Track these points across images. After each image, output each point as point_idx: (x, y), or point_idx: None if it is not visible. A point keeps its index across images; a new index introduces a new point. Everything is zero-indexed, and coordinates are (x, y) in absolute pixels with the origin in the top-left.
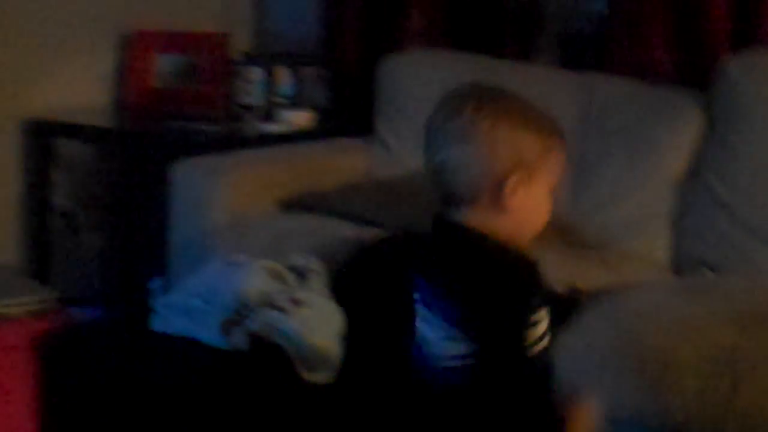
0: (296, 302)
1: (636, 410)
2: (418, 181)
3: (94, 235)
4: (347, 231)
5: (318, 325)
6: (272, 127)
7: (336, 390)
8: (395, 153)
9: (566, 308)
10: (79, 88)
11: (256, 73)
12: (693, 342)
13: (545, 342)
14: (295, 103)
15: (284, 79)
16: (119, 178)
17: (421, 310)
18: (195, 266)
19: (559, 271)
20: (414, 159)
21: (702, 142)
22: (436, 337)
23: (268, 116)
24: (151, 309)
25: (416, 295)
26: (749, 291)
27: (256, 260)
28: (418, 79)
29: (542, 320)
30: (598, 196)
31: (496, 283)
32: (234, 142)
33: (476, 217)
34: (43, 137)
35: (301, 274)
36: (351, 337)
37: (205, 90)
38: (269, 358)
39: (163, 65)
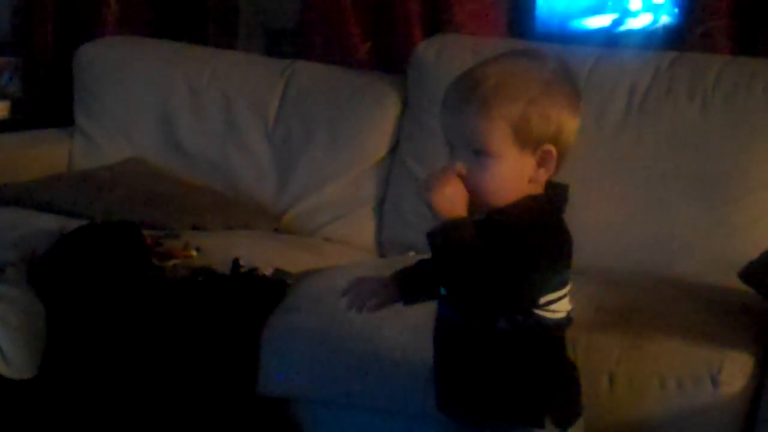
0: None
1: (345, 390)
2: (118, 170)
3: None
4: (49, 223)
5: (16, 319)
6: None
7: (39, 383)
8: (96, 143)
9: (274, 290)
10: None
11: None
12: (396, 318)
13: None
14: None
15: None
16: None
17: None
18: None
19: (267, 256)
20: (115, 148)
21: (400, 125)
22: None
23: None
24: None
25: None
26: None
27: None
28: (115, 67)
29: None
30: (302, 183)
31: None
32: None
33: None
34: None
35: None
36: (53, 326)
37: None
38: None
39: None
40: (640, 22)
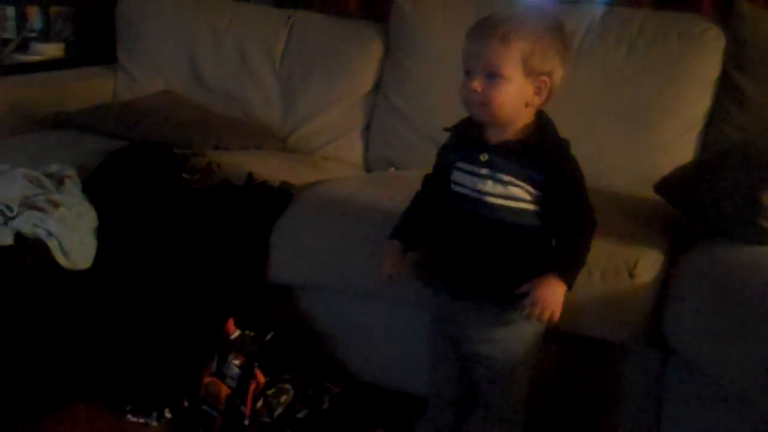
0: (54, 204)
1: (345, 278)
2: (153, 100)
3: None
4: (96, 144)
5: (74, 221)
6: (27, 58)
7: (92, 273)
8: (134, 77)
9: (281, 198)
10: None
11: (9, 11)
12: (374, 217)
13: None
14: (46, 36)
15: (35, 15)
16: None
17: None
18: None
19: (275, 171)
20: (150, 82)
21: (382, 65)
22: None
23: (23, 48)
24: None
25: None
26: (416, 178)
27: (17, 170)
28: (150, 14)
29: None
30: (303, 111)
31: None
32: None
33: None
34: None
35: (58, 180)
36: (103, 230)
37: None
38: (33, 250)
39: None
40: None
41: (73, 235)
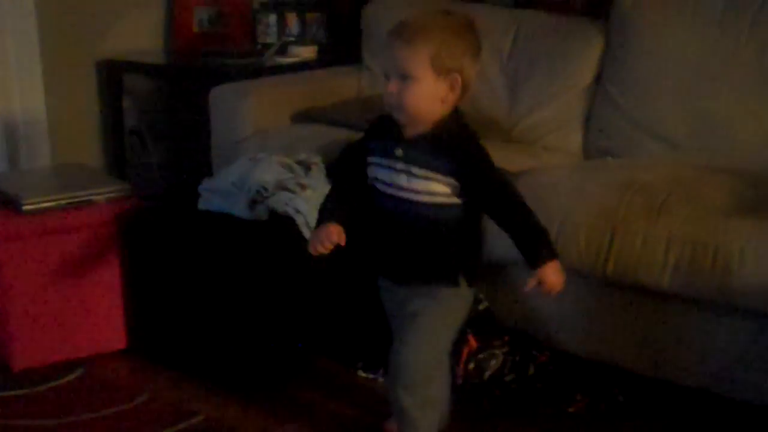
0: (302, 186)
1: None
2: None
3: (156, 146)
4: (340, 135)
5: (318, 202)
6: (285, 59)
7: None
8: (377, 77)
9: None
10: (140, 34)
11: (271, 18)
12: (584, 205)
13: None
14: (302, 40)
15: (293, 22)
16: (173, 103)
17: (399, 166)
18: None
19: (497, 159)
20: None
21: (602, 60)
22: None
23: (282, 51)
24: (197, 194)
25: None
26: (629, 167)
27: (272, 157)
28: (394, 20)
29: None
30: (527, 103)
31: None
32: (256, 71)
33: None
34: (114, 73)
35: (306, 166)
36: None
37: (233, 33)
38: (283, 226)
39: (200, 14)
40: None
41: (317, 214)
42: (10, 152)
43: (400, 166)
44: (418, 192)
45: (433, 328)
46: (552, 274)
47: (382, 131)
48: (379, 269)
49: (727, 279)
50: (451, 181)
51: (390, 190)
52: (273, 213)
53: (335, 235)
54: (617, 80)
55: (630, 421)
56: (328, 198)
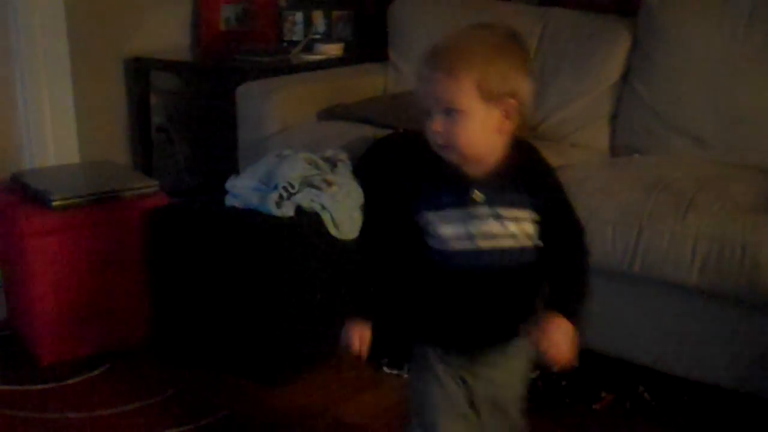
0: (328, 183)
1: None
2: None
3: (183, 143)
4: (366, 132)
5: (344, 198)
6: (311, 57)
7: (357, 242)
8: (403, 74)
9: None
10: (167, 32)
11: (297, 16)
12: (612, 202)
13: None
14: (328, 38)
15: (319, 20)
16: (200, 100)
17: (482, 211)
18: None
19: None
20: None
21: (630, 57)
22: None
23: (308, 48)
24: (224, 190)
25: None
26: (657, 165)
27: (299, 153)
28: (420, 17)
29: None
30: (554, 100)
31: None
32: (282, 69)
33: None
34: (141, 70)
35: (332, 163)
36: (367, 206)
37: (260, 30)
38: (309, 222)
39: (226, 13)
40: None
41: (342, 210)
42: (39, 149)
43: (483, 211)
44: (513, 237)
45: (516, 398)
46: (558, 332)
47: (424, 174)
48: (434, 339)
49: (756, 276)
50: (536, 217)
51: (466, 245)
52: (299, 209)
53: (367, 339)
54: (645, 77)
55: (655, 419)
56: (365, 276)
